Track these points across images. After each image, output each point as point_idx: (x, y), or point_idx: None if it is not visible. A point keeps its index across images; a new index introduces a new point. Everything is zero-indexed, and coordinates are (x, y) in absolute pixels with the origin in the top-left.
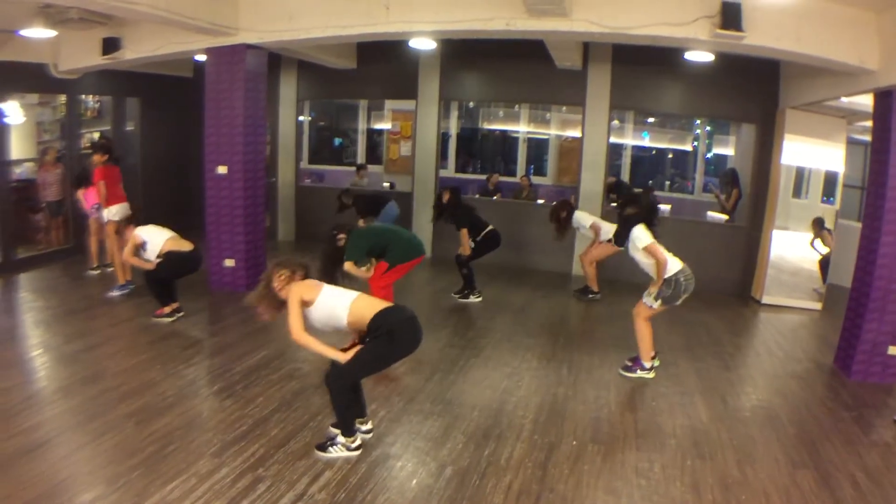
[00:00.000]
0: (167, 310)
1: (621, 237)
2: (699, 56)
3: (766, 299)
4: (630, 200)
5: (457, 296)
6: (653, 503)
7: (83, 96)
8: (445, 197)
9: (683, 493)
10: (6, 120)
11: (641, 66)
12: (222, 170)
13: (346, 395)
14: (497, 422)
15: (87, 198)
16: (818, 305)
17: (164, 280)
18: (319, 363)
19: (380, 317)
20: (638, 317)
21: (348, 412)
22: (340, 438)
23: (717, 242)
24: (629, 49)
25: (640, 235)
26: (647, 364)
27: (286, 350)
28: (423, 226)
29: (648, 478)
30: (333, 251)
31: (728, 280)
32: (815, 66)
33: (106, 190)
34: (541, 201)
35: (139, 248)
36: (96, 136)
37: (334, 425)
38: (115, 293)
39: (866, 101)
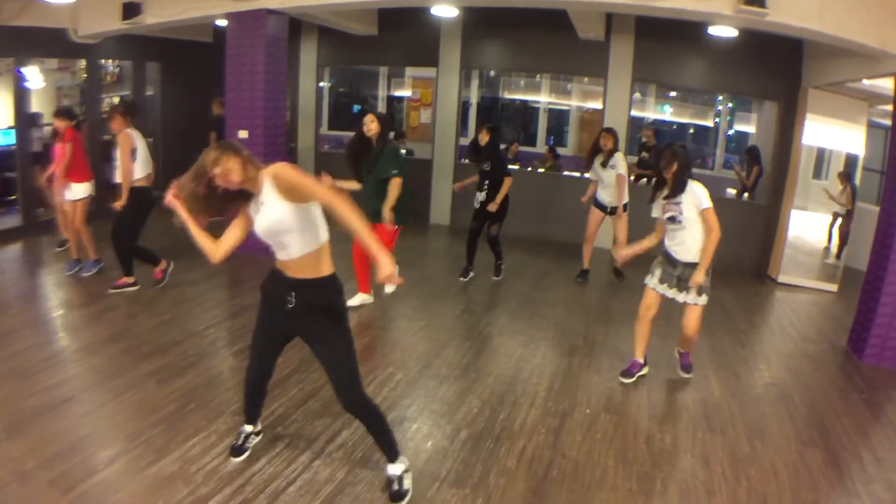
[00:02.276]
0: (159, 270)
1: (678, 189)
2: (722, 31)
3: (782, 278)
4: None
5: (496, 277)
6: (663, 472)
7: (103, 61)
8: (485, 138)
9: (693, 465)
10: (27, 84)
11: (664, 40)
12: (243, 134)
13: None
14: (512, 388)
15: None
16: (834, 287)
17: (136, 233)
18: None
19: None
20: (697, 328)
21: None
22: (400, 468)
23: (736, 220)
24: (652, 22)
25: (704, 194)
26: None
27: None
28: (442, 193)
29: (659, 448)
30: (360, 140)
31: (745, 258)
32: (838, 46)
33: (74, 161)
34: (565, 172)
35: (133, 152)
36: (116, 100)
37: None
38: (92, 271)
39: (888, 85)
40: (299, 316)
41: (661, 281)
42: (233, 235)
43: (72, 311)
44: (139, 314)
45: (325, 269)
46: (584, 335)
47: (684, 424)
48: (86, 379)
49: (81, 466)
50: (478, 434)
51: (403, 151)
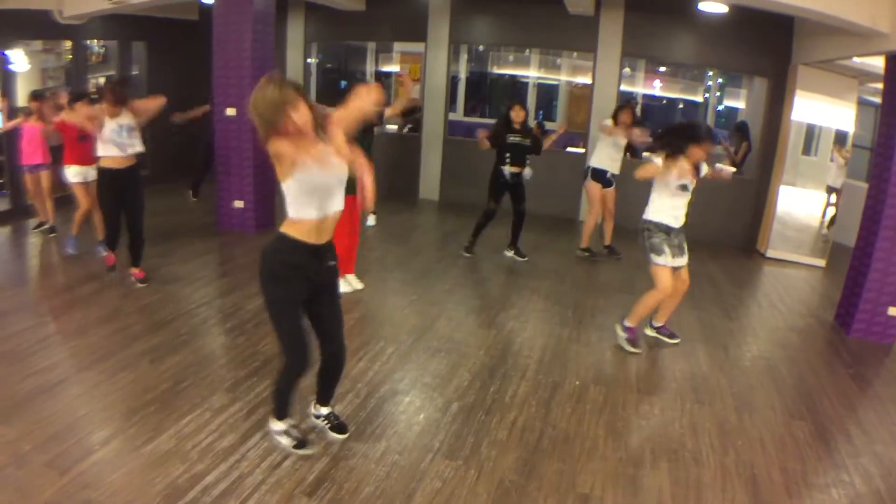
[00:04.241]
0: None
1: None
2: (713, 7)
3: (770, 253)
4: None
5: (519, 257)
6: (652, 442)
7: (88, 41)
8: (521, 115)
9: (682, 435)
10: (12, 67)
11: (654, 15)
12: (231, 112)
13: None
14: (502, 361)
15: (31, 151)
16: (822, 262)
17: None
18: None
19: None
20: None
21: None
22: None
23: (724, 194)
24: None
25: None
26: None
27: None
28: (432, 168)
29: (648, 419)
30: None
31: (733, 232)
32: (828, 24)
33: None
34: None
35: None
36: (102, 80)
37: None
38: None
39: (878, 63)
40: (325, 277)
41: (674, 256)
42: None
43: (63, 293)
44: (130, 294)
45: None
46: (574, 308)
47: (672, 396)
48: (79, 360)
49: (78, 447)
50: (469, 406)
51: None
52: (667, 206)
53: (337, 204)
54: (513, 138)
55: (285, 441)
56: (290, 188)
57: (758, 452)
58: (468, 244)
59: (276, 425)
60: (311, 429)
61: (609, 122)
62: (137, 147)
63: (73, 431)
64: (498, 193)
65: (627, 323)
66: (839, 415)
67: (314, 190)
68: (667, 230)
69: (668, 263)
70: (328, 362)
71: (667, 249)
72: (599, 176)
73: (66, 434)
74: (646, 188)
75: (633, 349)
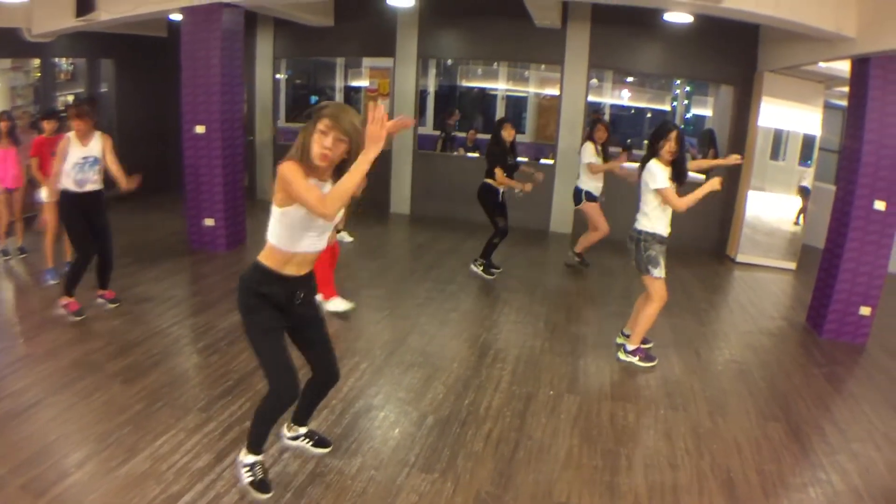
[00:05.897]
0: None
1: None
2: (678, 17)
3: (740, 258)
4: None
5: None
6: (627, 449)
7: (57, 59)
8: (512, 133)
9: (656, 441)
10: None
11: (621, 26)
12: (200, 129)
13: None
14: (476, 373)
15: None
16: (792, 265)
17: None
18: None
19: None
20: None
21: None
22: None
23: None
24: (608, 8)
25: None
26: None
27: None
28: (402, 183)
29: (623, 426)
30: None
31: (704, 238)
32: (794, 30)
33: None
34: (523, 159)
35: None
36: (70, 98)
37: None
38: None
39: (844, 67)
40: (301, 309)
41: (665, 267)
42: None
43: (33, 315)
44: (100, 315)
45: None
46: (546, 318)
47: (646, 402)
48: (51, 382)
49: (53, 470)
50: (444, 419)
51: None
52: (660, 215)
53: (320, 244)
54: (510, 160)
55: (248, 477)
56: (277, 216)
57: (733, 455)
58: (484, 265)
59: (248, 458)
60: (285, 450)
61: (596, 160)
62: (96, 185)
63: (48, 454)
64: (501, 209)
65: (630, 347)
66: (814, 415)
67: (300, 226)
68: (661, 240)
69: (663, 276)
70: (317, 383)
71: (662, 261)
72: (593, 198)
73: (41, 457)
74: (624, 200)
75: (649, 364)
